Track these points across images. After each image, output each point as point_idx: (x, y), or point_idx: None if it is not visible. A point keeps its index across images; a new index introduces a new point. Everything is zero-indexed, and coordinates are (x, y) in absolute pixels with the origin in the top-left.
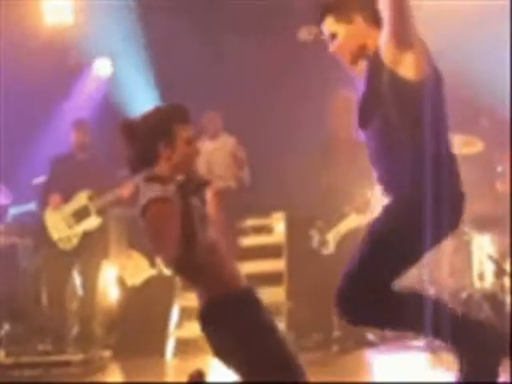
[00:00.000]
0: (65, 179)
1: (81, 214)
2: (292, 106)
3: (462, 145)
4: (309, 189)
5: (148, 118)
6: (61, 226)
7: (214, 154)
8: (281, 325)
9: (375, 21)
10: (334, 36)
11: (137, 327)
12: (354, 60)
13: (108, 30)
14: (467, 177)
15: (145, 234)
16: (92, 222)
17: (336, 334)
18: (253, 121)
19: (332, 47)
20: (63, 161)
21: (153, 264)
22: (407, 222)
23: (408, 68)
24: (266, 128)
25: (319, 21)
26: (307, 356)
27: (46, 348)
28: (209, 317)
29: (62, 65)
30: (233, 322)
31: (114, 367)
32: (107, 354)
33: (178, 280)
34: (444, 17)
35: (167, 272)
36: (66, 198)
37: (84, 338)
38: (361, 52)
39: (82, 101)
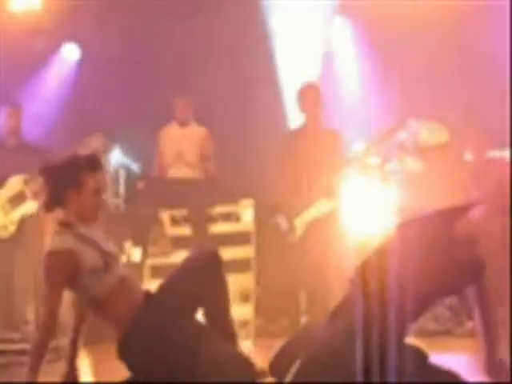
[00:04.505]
0: None
1: (17, 200)
2: (261, 93)
3: (430, 132)
4: (276, 176)
5: (62, 165)
6: None
7: (183, 141)
8: (249, 310)
9: None
10: None
11: None
12: None
13: (76, 14)
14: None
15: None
16: (29, 206)
17: (304, 319)
18: (221, 109)
19: None
20: None
21: (121, 250)
22: None
23: None
24: (235, 115)
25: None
26: (275, 341)
27: (13, 336)
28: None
29: (30, 49)
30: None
31: (84, 353)
32: None
33: (146, 266)
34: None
35: (136, 259)
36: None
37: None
38: None
39: (49, 85)
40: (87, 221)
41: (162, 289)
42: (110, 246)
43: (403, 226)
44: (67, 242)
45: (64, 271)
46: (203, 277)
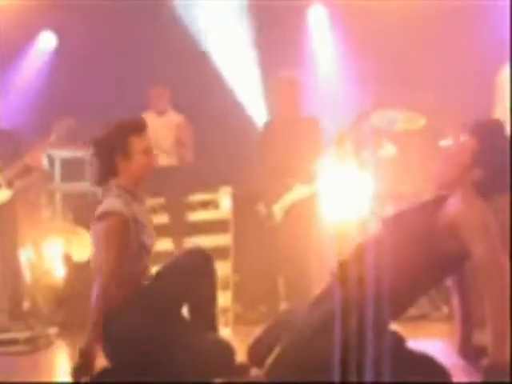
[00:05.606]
0: None
1: None
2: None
3: (404, 121)
4: (255, 163)
5: (106, 134)
6: None
7: (160, 129)
8: (228, 298)
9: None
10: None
11: (83, 304)
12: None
13: (52, 2)
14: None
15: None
16: (3, 195)
17: (282, 305)
18: (199, 97)
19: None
20: None
21: None
22: None
23: None
24: (213, 102)
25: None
26: (254, 329)
27: None
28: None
29: (6, 39)
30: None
31: (60, 344)
32: (53, 331)
33: None
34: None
35: None
36: None
37: (15, 316)
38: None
39: (26, 74)
40: (141, 182)
41: (150, 282)
42: (150, 240)
43: (385, 222)
44: (127, 211)
45: (125, 234)
46: (191, 274)
